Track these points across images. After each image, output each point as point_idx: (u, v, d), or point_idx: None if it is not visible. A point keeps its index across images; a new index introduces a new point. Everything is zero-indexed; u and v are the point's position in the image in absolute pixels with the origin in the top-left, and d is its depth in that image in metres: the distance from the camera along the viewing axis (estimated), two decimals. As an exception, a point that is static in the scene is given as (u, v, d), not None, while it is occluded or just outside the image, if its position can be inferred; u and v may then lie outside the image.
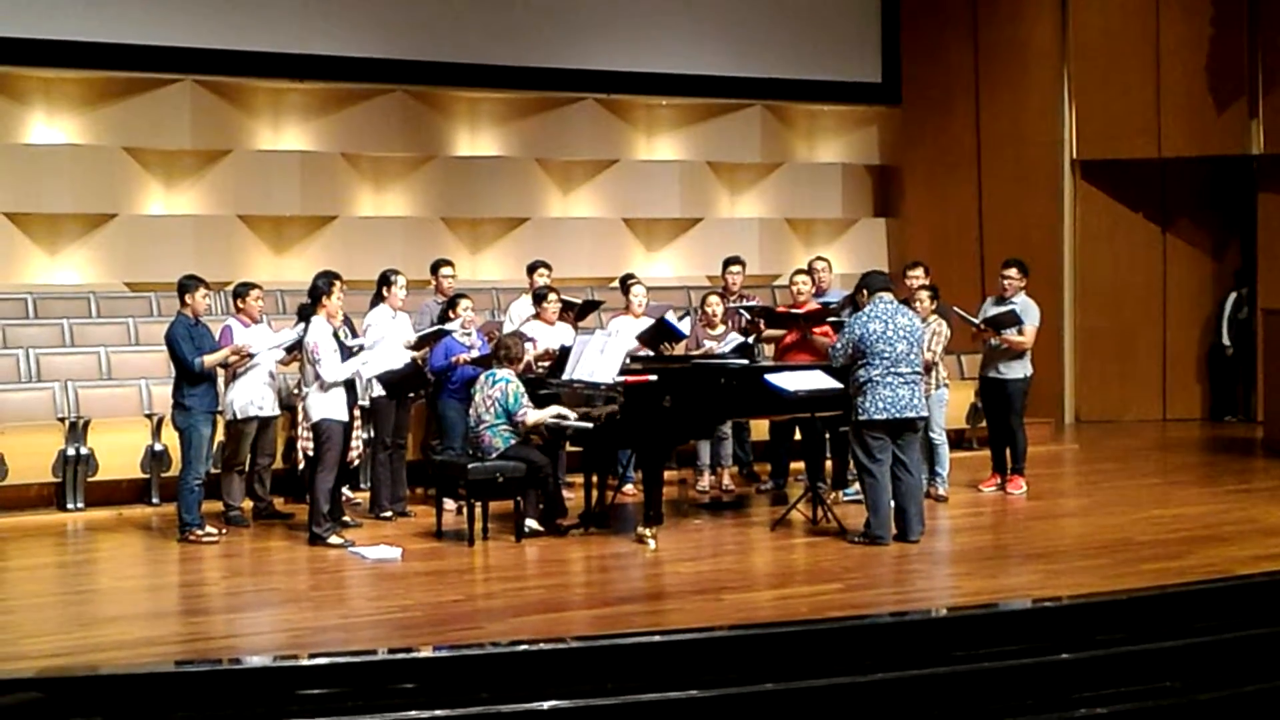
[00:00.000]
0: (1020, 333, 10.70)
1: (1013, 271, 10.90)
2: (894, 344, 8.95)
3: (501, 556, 9.00)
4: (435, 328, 10.28)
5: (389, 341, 10.02)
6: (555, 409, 9.38)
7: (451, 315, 10.34)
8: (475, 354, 10.15)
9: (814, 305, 10.75)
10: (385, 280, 10.35)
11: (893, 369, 8.93)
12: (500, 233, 15.10)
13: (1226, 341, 15.29)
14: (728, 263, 11.70)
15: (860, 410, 8.99)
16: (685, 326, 10.94)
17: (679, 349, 10.90)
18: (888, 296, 9.20)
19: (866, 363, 8.95)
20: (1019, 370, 10.83)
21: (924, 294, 10.50)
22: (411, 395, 10.36)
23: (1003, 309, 10.72)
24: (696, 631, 7.03)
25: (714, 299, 11.16)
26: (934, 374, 10.38)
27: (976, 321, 10.68)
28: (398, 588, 8.15)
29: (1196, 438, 14.53)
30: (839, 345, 9.15)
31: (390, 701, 6.20)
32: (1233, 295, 15.35)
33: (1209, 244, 15.75)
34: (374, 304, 10.41)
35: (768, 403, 9.50)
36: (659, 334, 10.57)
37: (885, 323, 8.97)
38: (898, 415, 8.96)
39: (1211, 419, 15.40)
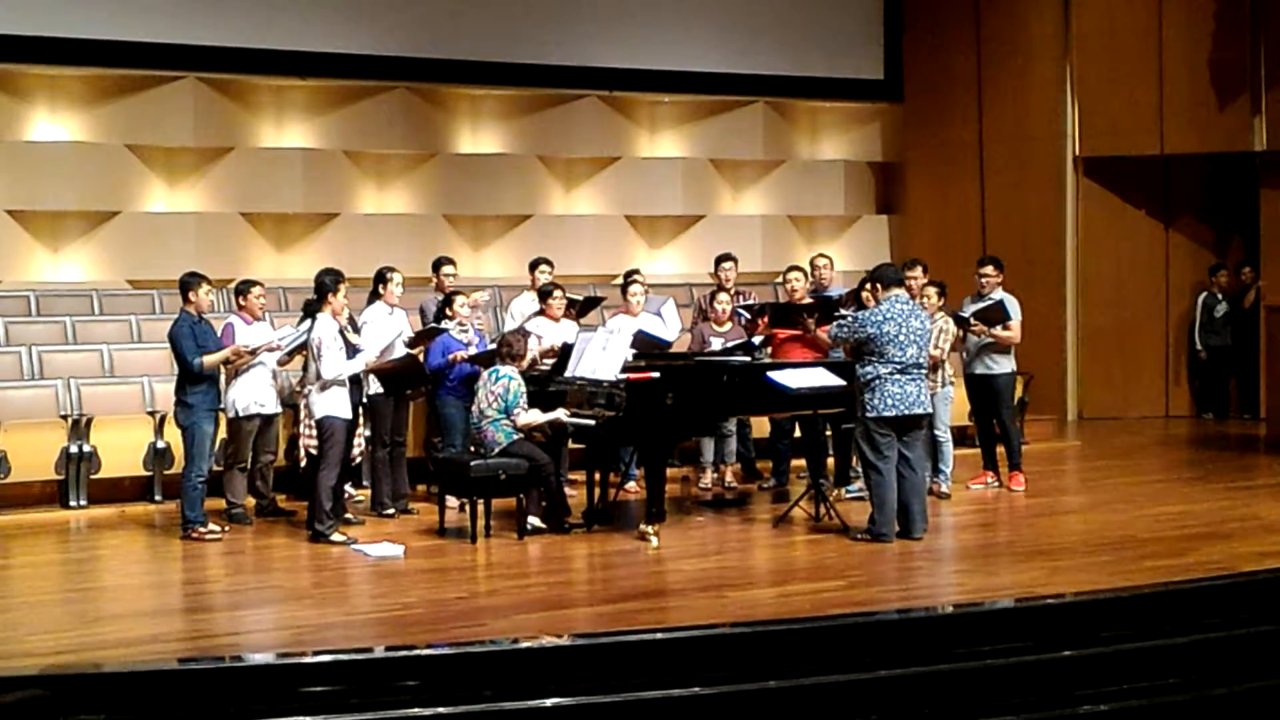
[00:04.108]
0: (1007, 328, 10.71)
1: (989, 269, 10.91)
2: (905, 348, 8.91)
3: (504, 554, 9.00)
4: (430, 326, 10.27)
5: (381, 333, 9.98)
6: (549, 414, 9.38)
7: (448, 313, 10.33)
8: (473, 351, 10.14)
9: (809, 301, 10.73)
10: (381, 277, 10.33)
11: (901, 369, 8.92)
12: (502, 230, 15.09)
13: (1199, 346, 15.26)
14: (720, 260, 11.67)
15: (868, 407, 8.97)
16: (673, 321, 10.91)
17: (687, 340, 10.89)
18: (904, 295, 9.17)
19: (875, 361, 8.94)
20: (1007, 365, 10.84)
21: (931, 290, 10.48)
22: (410, 392, 10.35)
23: (987, 304, 10.72)
24: (699, 629, 7.03)
25: (723, 296, 11.14)
26: (940, 372, 10.37)
27: (967, 317, 10.66)
28: (400, 585, 8.15)
29: (1199, 434, 14.51)
30: (845, 331, 9.11)
31: (392, 699, 6.21)
32: (1202, 295, 15.31)
33: (1211, 241, 15.73)
34: (370, 301, 10.40)
35: (770, 400, 9.50)
36: (644, 344, 10.45)
37: (899, 325, 8.93)
38: (905, 412, 8.94)
39: (1197, 415, 15.39)
